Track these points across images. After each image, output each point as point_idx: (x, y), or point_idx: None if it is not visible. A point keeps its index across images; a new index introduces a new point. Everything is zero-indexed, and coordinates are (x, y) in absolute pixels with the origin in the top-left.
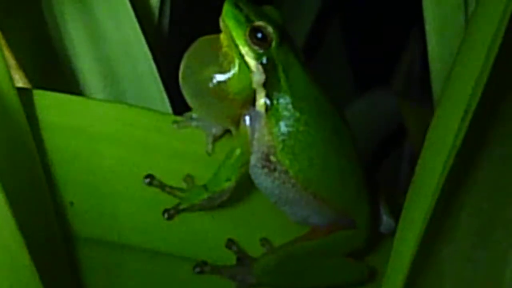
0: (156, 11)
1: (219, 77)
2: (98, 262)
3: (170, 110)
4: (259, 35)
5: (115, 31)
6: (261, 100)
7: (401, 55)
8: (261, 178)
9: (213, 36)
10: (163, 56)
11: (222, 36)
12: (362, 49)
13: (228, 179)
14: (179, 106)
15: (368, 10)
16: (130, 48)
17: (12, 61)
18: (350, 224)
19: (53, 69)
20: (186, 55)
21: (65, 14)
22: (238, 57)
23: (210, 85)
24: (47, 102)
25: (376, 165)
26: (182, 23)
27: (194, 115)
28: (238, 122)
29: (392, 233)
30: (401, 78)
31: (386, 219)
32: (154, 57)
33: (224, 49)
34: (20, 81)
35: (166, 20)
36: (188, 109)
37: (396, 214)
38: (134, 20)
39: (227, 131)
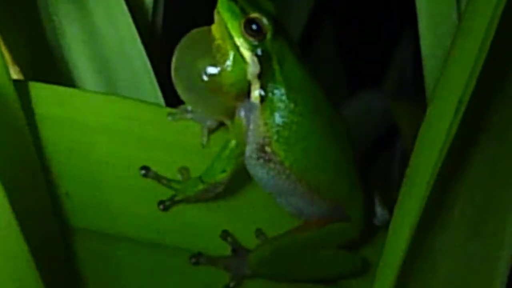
0: (149, 7)
1: (213, 70)
2: (94, 252)
3: (163, 105)
4: (254, 26)
5: (110, 27)
6: (256, 92)
7: (393, 55)
8: (256, 169)
9: (204, 28)
10: (157, 52)
11: (214, 27)
12: (354, 49)
13: (224, 171)
14: (172, 102)
15: (360, 10)
16: (125, 45)
17: (7, 56)
18: (344, 217)
19: (47, 65)
20: (178, 48)
21: (60, 11)
22: (233, 49)
23: (204, 77)
24: (43, 94)
25: (368, 165)
26: (175, 19)
27: (188, 107)
28: (232, 114)
29: (386, 225)
30: (393, 78)
31: (380, 211)
32: (148, 53)
33: (218, 41)
34: (15, 76)
35: (159, 17)
36: (181, 104)
37: (389, 206)
38: (129, 16)
39: (222, 123)
